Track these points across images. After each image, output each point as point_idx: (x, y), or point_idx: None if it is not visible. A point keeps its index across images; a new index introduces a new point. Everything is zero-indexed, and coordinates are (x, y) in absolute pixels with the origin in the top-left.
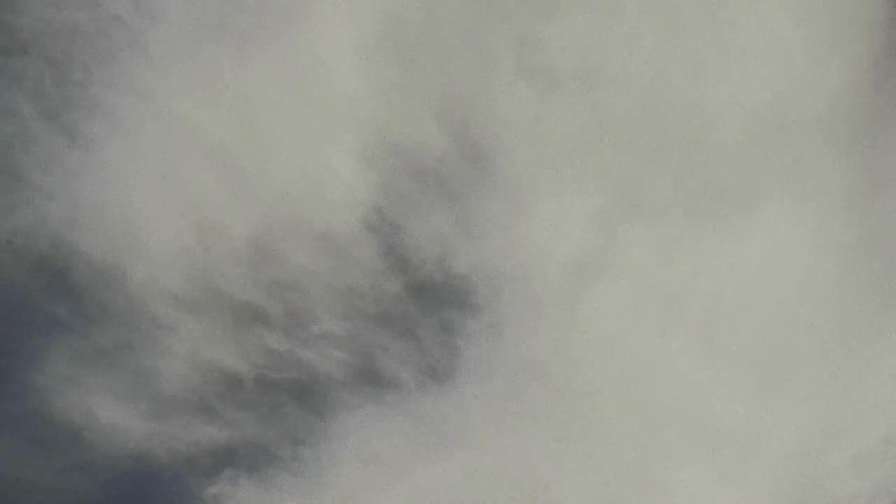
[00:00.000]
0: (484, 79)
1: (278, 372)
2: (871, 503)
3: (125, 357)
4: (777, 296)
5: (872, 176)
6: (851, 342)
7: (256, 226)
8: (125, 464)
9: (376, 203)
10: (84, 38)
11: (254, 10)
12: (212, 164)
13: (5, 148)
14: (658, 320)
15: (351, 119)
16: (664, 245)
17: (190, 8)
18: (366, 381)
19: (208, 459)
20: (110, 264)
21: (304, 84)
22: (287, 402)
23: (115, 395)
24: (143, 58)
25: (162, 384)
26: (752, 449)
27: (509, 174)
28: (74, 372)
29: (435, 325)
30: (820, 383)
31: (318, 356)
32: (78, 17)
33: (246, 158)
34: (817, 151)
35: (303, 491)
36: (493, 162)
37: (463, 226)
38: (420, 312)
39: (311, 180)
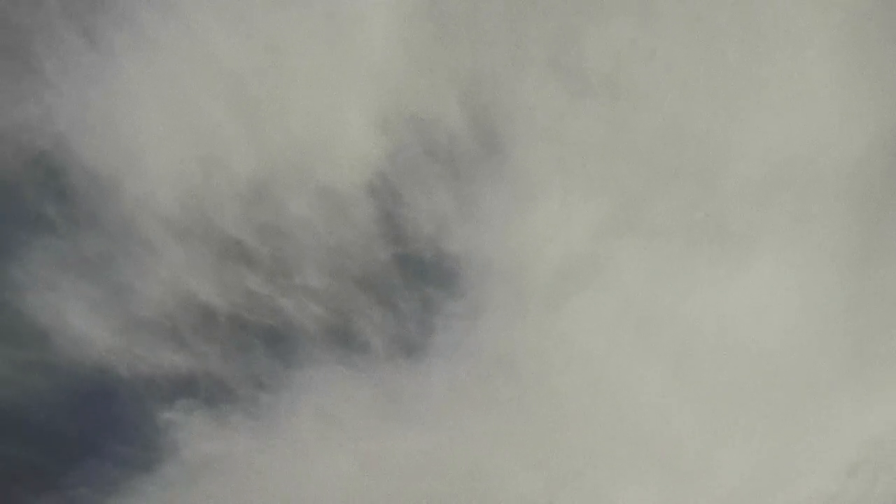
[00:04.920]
0: (514, 69)
1: (253, 314)
2: None
3: (106, 269)
4: (756, 340)
5: (876, 244)
6: (815, 398)
7: (260, 166)
8: (86, 372)
9: (383, 169)
10: None
11: None
12: (228, 97)
13: (24, 36)
14: (635, 340)
15: (375, 81)
16: (656, 268)
17: None
18: (337, 340)
19: (168, 385)
20: (108, 175)
21: (335, 37)
22: (256, 345)
23: (88, 304)
24: None
25: (137, 303)
26: (699, 480)
27: (519, 167)
28: (53, 273)
29: (416, 300)
30: (775, 431)
31: (296, 307)
32: None
33: (263, 98)
34: (827, 208)
35: (255, 433)
36: (505, 152)
37: (463, 208)
38: (403, 284)
39: (324, 133)
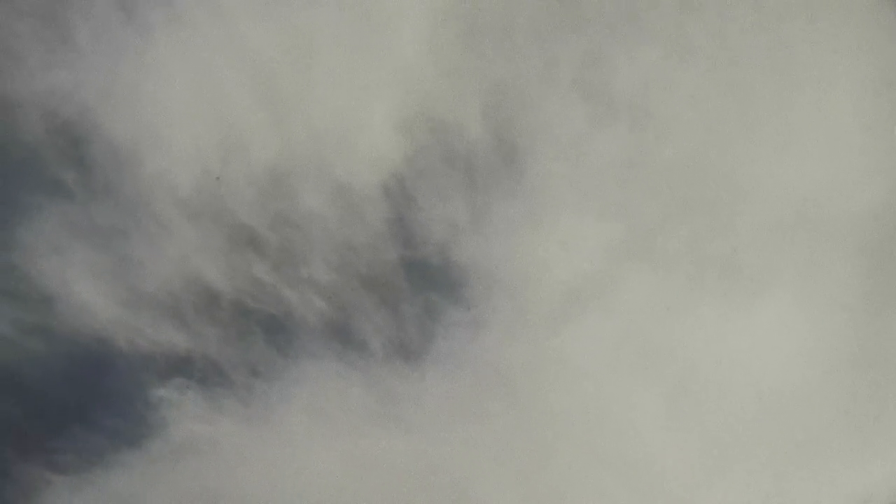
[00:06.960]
0: (540, 85)
1: (257, 301)
2: None
3: (116, 241)
4: (756, 382)
5: (888, 297)
6: (810, 448)
7: (279, 156)
8: (85, 341)
9: (399, 171)
10: None
11: None
12: (254, 83)
13: (61, 3)
14: (634, 369)
15: (400, 83)
16: (663, 298)
17: None
18: (336, 336)
19: (164, 362)
20: (128, 148)
21: (365, 35)
22: (256, 333)
23: (95, 274)
24: None
25: (142, 278)
26: None
27: (535, 184)
28: (63, 240)
29: (419, 305)
30: (766, 475)
31: (299, 299)
32: None
33: (288, 88)
34: (841, 257)
35: (245, 419)
36: (523, 167)
37: (475, 219)
38: (408, 288)
39: (345, 129)
